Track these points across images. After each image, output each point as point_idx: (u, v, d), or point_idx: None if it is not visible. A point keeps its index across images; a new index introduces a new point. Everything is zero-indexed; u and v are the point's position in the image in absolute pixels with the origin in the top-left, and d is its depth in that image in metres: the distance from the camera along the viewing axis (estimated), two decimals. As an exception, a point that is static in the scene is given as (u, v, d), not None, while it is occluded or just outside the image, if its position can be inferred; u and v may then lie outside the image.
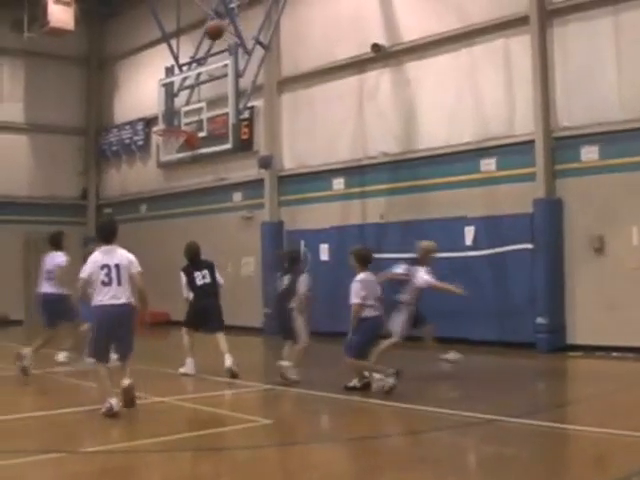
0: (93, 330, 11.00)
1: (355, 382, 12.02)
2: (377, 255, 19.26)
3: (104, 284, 10.52)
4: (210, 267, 14.60)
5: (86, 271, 10.63)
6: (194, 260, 14.68)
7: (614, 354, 15.62)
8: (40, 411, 10.97)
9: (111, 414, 10.21)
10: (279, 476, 7.93)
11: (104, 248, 10.80)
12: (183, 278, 14.49)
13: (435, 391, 12.49)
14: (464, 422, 9.73)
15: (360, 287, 11.77)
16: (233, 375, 13.69)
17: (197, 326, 14.51)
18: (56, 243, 15.23)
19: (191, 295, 14.48)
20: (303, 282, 13.18)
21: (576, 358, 15.90)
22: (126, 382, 10.51)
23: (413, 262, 13.86)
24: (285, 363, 12.96)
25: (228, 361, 13.93)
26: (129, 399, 10.49)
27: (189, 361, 14.27)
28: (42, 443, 9.02)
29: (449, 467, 7.88)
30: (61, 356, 15.76)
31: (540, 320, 16.64)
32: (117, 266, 10.59)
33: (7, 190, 27.95)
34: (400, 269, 13.81)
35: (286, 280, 13.23)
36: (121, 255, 10.74)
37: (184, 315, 14.78)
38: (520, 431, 9.30)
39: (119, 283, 10.55)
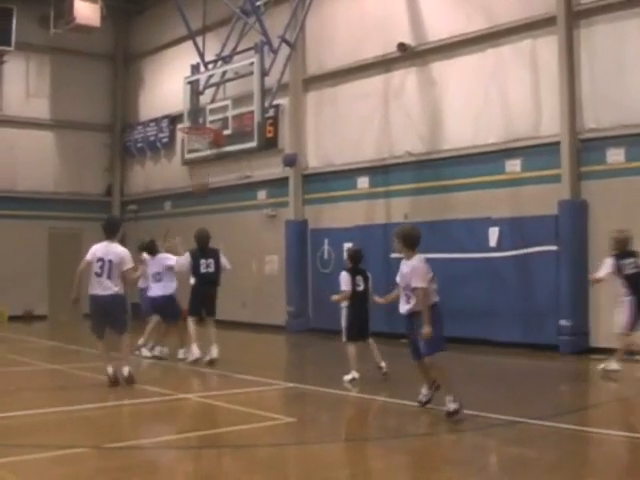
0: (90, 314, 12.82)
1: (425, 391, 10.49)
2: (400, 255, 19.45)
3: (97, 275, 12.34)
4: (216, 256, 15.18)
5: (87, 258, 12.46)
6: (203, 247, 15.25)
7: (637, 357, 15.52)
8: (64, 406, 11.01)
9: (110, 382, 12.28)
10: (301, 475, 7.93)
11: (105, 243, 12.55)
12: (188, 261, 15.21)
13: (457, 392, 12.40)
14: (487, 423, 9.70)
15: (426, 269, 10.00)
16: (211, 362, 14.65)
17: (201, 313, 15.21)
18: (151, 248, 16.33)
19: (192, 280, 15.17)
20: (371, 281, 13.35)
21: (599, 361, 15.80)
22: (126, 371, 12.48)
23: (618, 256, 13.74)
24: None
25: (214, 353, 14.73)
26: (130, 383, 12.44)
27: (194, 347, 14.84)
28: (66, 438, 9.05)
29: (471, 468, 7.85)
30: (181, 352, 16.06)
31: (563, 322, 16.57)
32: (110, 262, 12.30)
33: (33, 186, 28.15)
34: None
35: (361, 280, 13.17)
36: (115, 252, 12.41)
37: (188, 304, 15.36)
38: (543, 433, 9.26)
39: (109, 276, 12.29)
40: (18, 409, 10.75)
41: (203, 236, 15.30)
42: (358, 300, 13.09)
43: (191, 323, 15.02)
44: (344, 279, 13.05)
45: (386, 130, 20.71)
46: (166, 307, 15.66)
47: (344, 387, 12.33)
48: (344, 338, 13.14)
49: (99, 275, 12.29)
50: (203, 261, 15.03)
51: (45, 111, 28.97)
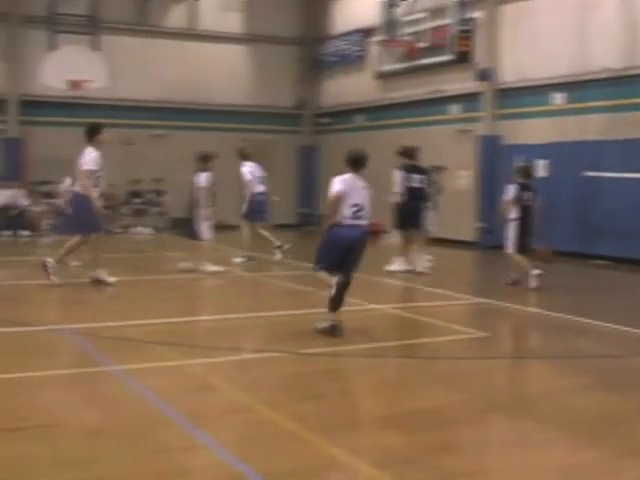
0: None
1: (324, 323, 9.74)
2: (595, 174, 18.98)
3: None
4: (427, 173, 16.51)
5: None
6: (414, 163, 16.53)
7: None
8: (259, 312, 11.45)
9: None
10: (488, 387, 7.98)
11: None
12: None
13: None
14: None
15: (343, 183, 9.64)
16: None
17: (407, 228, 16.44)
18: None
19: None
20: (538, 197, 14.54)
21: None
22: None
23: None
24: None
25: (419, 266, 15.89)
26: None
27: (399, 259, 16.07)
28: (262, 342, 9.53)
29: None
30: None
31: None
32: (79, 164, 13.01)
33: (226, 99, 28.78)
34: None
35: (529, 195, 14.26)
36: (83, 154, 12.94)
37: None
38: None
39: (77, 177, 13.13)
40: (218, 313, 11.23)
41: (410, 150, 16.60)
42: (525, 214, 14.12)
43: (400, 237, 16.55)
44: (510, 192, 14.19)
45: (583, 44, 19.96)
46: None
47: (534, 304, 12.25)
48: (510, 249, 14.15)
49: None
50: (416, 176, 16.08)
51: (238, 25, 29.42)
